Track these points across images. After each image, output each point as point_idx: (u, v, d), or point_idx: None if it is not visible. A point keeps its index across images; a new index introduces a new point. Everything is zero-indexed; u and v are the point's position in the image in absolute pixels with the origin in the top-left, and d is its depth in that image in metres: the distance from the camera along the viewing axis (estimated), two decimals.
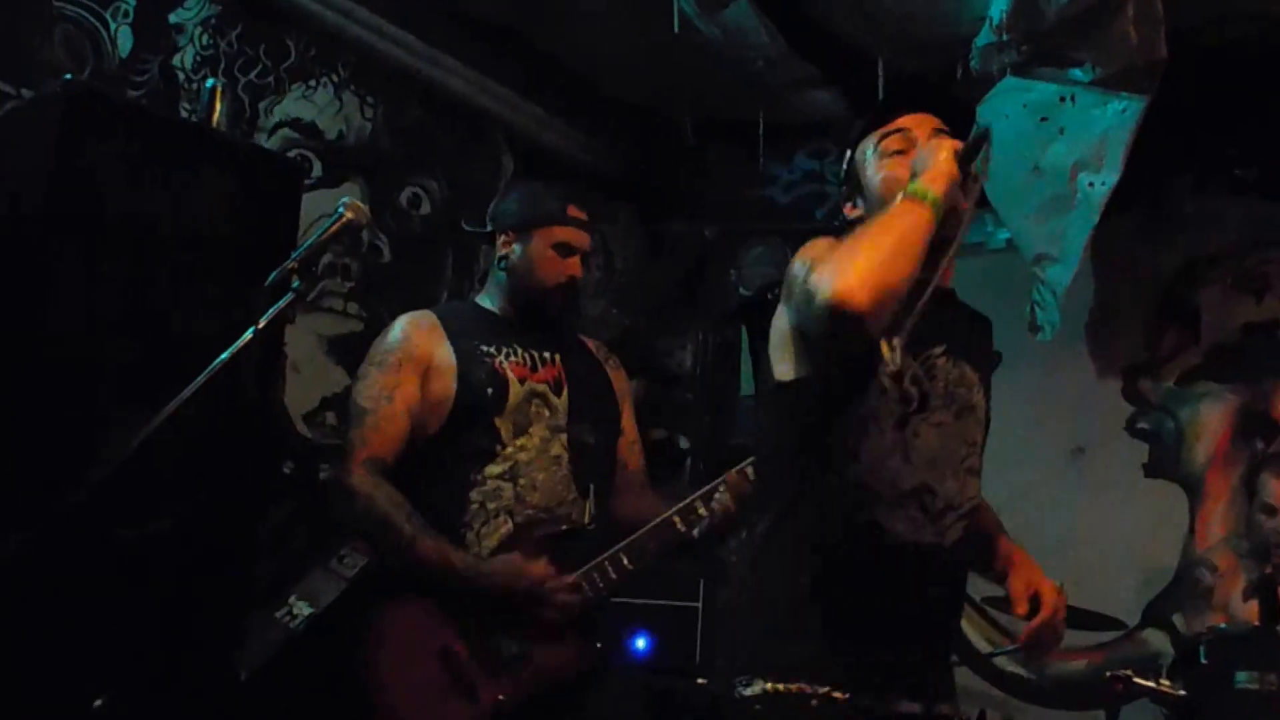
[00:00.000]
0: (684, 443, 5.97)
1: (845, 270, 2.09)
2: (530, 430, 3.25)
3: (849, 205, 2.56)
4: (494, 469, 3.19)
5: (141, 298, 2.99)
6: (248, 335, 2.27)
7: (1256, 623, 4.08)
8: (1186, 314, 5.65)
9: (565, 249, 3.34)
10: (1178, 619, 5.40)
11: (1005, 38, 3.92)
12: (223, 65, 4.07)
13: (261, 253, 2.91)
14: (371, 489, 3.07)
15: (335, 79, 4.46)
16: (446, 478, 3.19)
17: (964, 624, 5.73)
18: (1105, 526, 5.54)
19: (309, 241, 2.45)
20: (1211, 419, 5.54)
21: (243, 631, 3.28)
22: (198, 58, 4.02)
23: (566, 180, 3.68)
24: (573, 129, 5.45)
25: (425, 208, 4.82)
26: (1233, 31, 4.42)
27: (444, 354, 3.24)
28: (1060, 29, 3.72)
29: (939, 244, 2.20)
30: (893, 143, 2.48)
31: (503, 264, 3.37)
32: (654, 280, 5.84)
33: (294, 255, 2.38)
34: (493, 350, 3.27)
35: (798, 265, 2.31)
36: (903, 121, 2.50)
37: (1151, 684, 3.83)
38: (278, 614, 3.48)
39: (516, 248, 3.34)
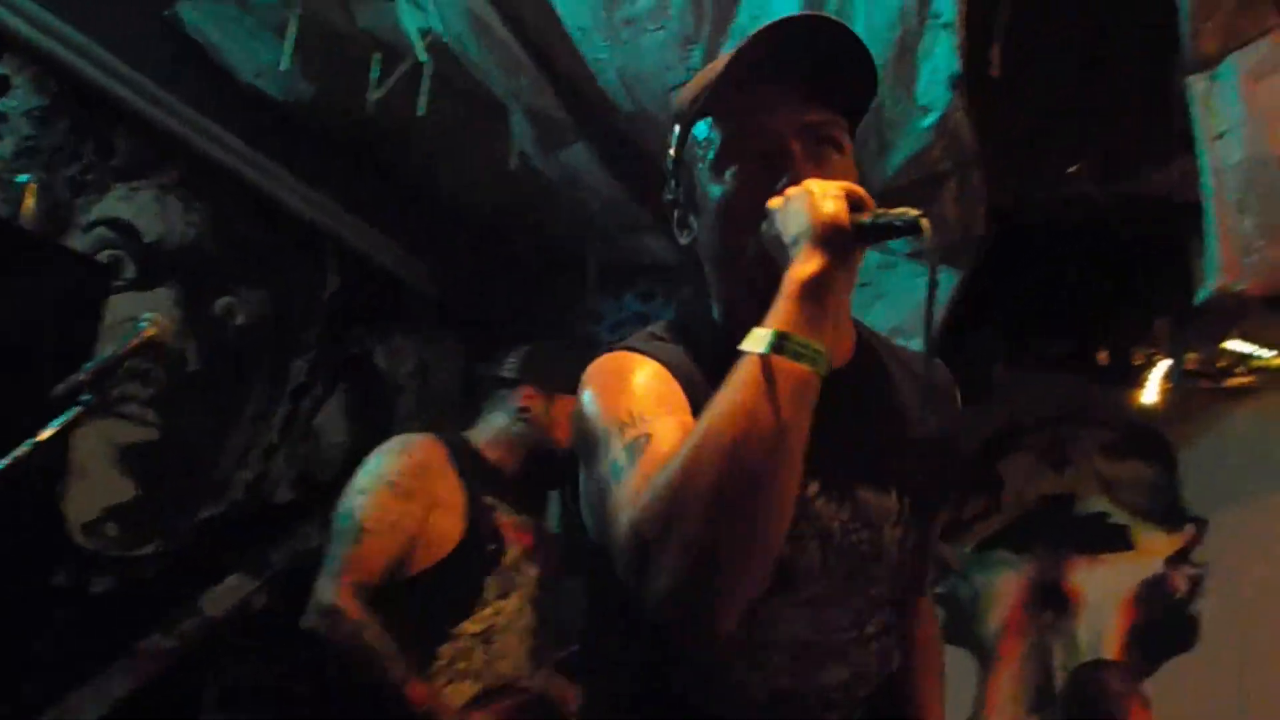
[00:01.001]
0: None
1: (666, 551, 1.36)
2: (510, 595, 3.20)
3: (682, 228, 1.86)
4: (471, 627, 3.11)
5: None
6: (25, 448, 2.15)
7: None
8: (990, 482, 5.79)
9: None
10: None
11: None
12: (45, 158, 3.92)
13: (59, 357, 2.79)
14: (361, 615, 2.94)
15: (163, 181, 4.33)
16: (418, 624, 3.05)
17: None
18: None
19: (104, 355, 2.34)
20: (1007, 587, 5.65)
21: None
22: (18, 148, 3.86)
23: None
24: (404, 250, 5.38)
25: (240, 318, 4.67)
26: (1048, 212, 4.57)
27: (455, 493, 3.17)
28: (884, 200, 3.80)
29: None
30: (747, 142, 1.72)
31: (524, 415, 3.35)
32: (470, 407, 5.78)
33: (86, 368, 2.27)
34: (493, 502, 3.23)
35: (592, 418, 1.67)
36: (765, 104, 1.71)
37: None
38: None
39: (541, 404, 3.34)
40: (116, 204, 4.15)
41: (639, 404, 1.61)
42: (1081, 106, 4.05)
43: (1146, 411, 5.42)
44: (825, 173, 1.65)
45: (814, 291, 1.48)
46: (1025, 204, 4.41)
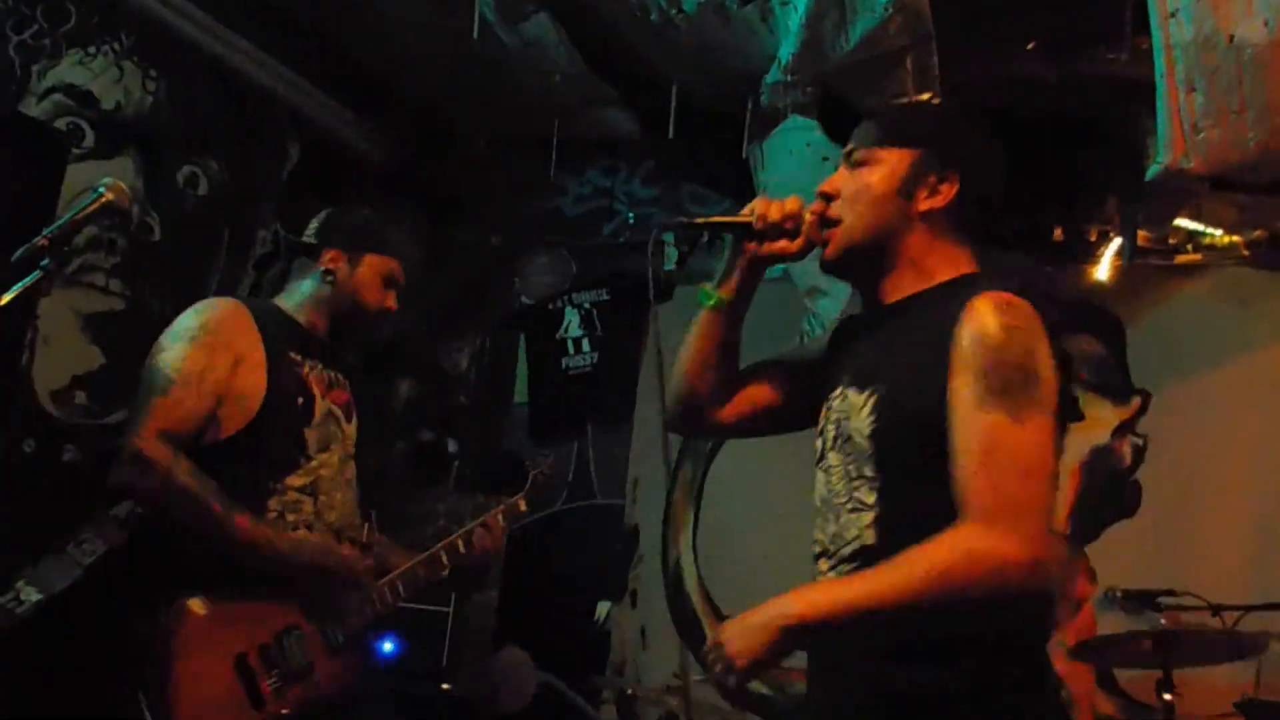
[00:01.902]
0: (452, 446, 5.91)
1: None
2: (330, 448, 3.17)
3: None
4: (295, 480, 3.08)
5: None
6: None
7: None
8: None
9: (392, 282, 3.30)
10: None
11: (792, 78, 3.99)
12: None
13: (18, 223, 2.78)
14: (170, 460, 2.85)
15: (117, 47, 4.26)
16: (241, 480, 2.98)
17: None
18: None
19: (62, 220, 2.33)
20: None
21: None
22: None
23: (404, 218, 3.60)
24: (364, 124, 5.34)
25: (203, 188, 4.63)
26: (1002, 91, 4.57)
27: (256, 349, 3.07)
28: (843, 74, 3.80)
29: None
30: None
31: (329, 278, 3.25)
32: (435, 283, 5.76)
33: (45, 231, 2.27)
34: (299, 359, 3.16)
35: None
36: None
37: None
38: (2, 599, 3.32)
39: (345, 267, 3.25)
40: (71, 70, 4.11)
41: None
42: None
43: (1098, 288, 5.46)
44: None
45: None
46: (980, 82, 4.40)
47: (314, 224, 3.37)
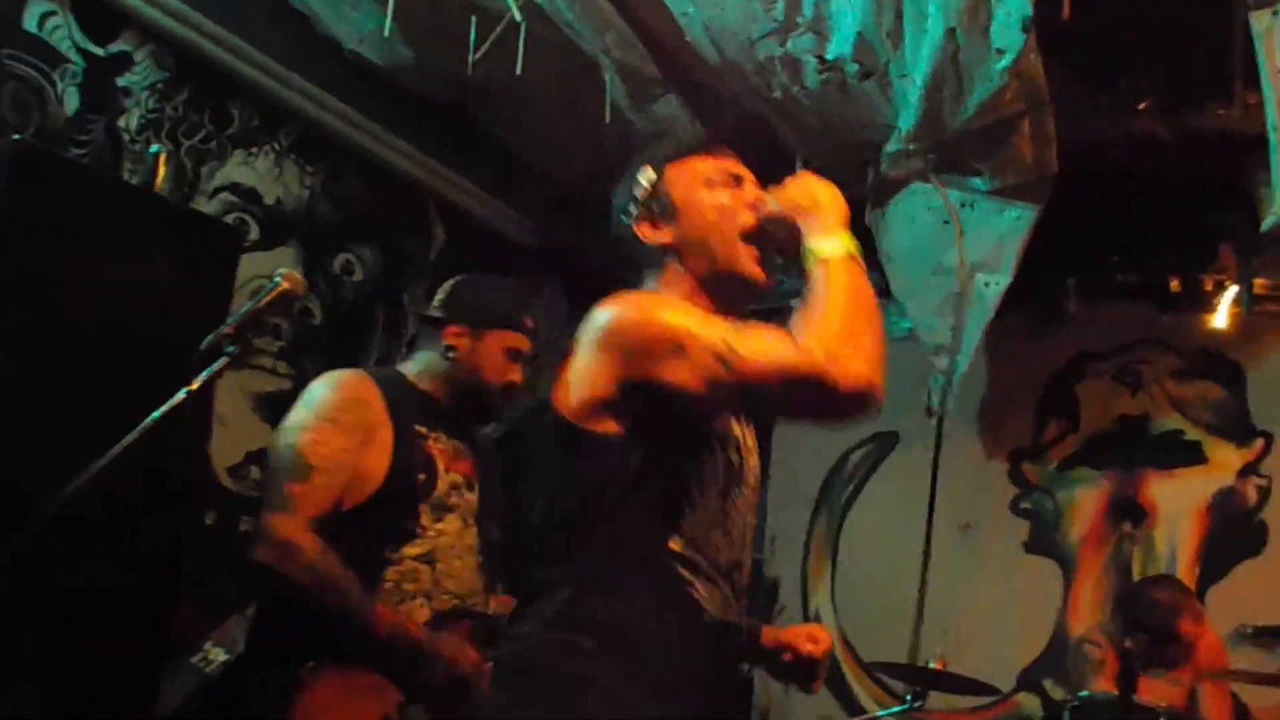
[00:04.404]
0: None
1: (858, 359, 1.90)
2: (446, 518, 3.06)
3: (648, 226, 2.22)
4: (412, 550, 2.97)
5: (80, 353, 2.92)
6: (180, 396, 2.23)
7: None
8: (1068, 405, 5.81)
9: (515, 354, 3.19)
10: (1049, 685, 5.48)
11: (912, 147, 3.99)
12: (166, 129, 4.00)
13: (198, 313, 2.88)
14: (320, 548, 2.80)
15: (277, 147, 4.42)
16: (358, 551, 2.88)
17: (855, 687, 5.77)
18: (987, 598, 5.62)
19: (244, 309, 2.41)
20: (1086, 501, 5.69)
21: (160, 679, 3.19)
22: (143, 120, 3.95)
23: (519, 285, 3.58)
24: (505, 204, 5.44)
25: (358, 274, 4.78)
26: (1117, 152, 4.54)
27: (384, 425, 3.01)
28: (962, 142, 3.80)
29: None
30: (725, 170, 2.22)
31: (450, 354, 3.16)
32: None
33: (229, 321, 2.35)
34: (424, 431, 3.08)
35: (660, 325, 2.00)
36: (727, 154, 2.27)
37: None
38: (193, 659, 3.38)
39: (468, 342, 3.16)
40: (237, 170, 4.26)
41: (689, 312, 2.04)
42: (1146, 45, 4.01)
43: (1216, 335, 5.39)
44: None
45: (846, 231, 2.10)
46: (1095, 141, 4.37)
47: (439, 295, 3.30)
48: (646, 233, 2.21)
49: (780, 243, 2.14)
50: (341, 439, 2.92)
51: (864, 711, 5.57)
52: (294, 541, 2.80)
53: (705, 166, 2.22)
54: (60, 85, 3.74)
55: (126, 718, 2.95)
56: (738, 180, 2.21)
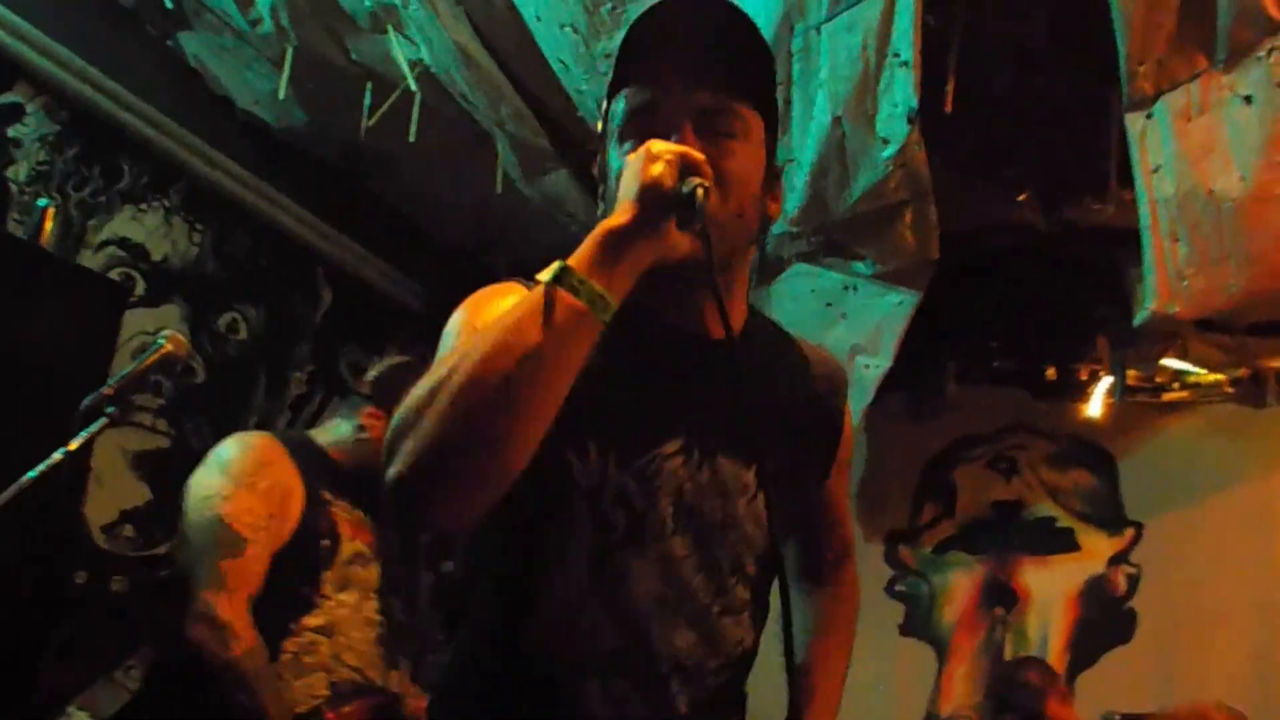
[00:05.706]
0: None
1: (412, 438, 1.41)
2: (348, 588, 3.02)
3: (600, 199, 1.74)
4: (311, 620, 2.92)
5: None
6: (57, 456, 2.22)
7: None
8: (944, 489, 5.92)
9: None
10: None
11: (797, 229, 4.09)
12: (56, 182, 3.98)
13: (80, 368, 2.86)
14: (257, 644, 2.73)
15: (167, 203, 4.40)
16: (258, 618, 2.79)
17: None
18: (861, 678, 5.67)
19: (126, 370, 2.41)
20: (961, 586, 5.78)
21: None
22: (32, 172, 3.92)
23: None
24: (393, 269, 5.47)
25: (242, 333, 4.75)
26: (998, 241, 4.69)
27: (297, 487, 2.98)
28: (846, 226, 3.90)
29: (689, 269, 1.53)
30: (643, 120, 1.64)
31: (363, 433, 3.15)
32: None
33: (110, 382, 2.35)
34: (330, 498, 3.05)
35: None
36: (661, 84, 1.64)
37: None
38: None
39: (383, 428, 2.81)
40: (126, 224, 4.24)
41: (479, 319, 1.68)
42: (1027, 141, 4.17)
43: (1089, 424, 5.54)
44: (720, 155, 1.60)
45: (614, 241, 1.48)
46: (976, 230, 4.51)
47: (373, 371, 3.30)
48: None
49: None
50: (263, 505, 2.88)
51: None
52: (233, 627, 2.72)
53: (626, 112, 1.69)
54: None
55: None
56: None
